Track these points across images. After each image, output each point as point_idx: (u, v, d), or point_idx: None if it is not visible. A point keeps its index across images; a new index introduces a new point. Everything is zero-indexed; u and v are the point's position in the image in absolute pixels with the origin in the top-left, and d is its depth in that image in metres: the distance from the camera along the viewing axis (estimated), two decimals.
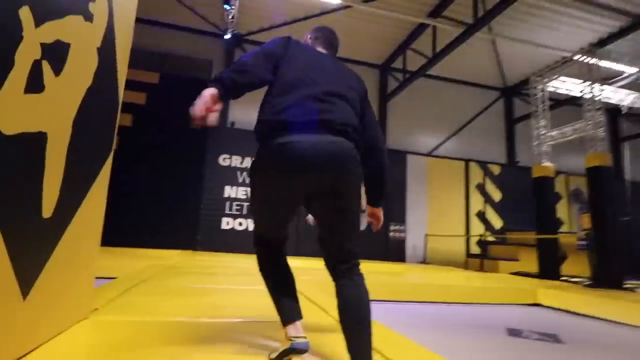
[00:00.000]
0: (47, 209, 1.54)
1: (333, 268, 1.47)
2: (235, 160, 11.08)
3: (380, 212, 1.78)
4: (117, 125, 2.48)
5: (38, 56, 1.37)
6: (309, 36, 1.87)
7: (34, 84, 1.35)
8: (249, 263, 7.73)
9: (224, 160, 10.98)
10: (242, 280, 4.60)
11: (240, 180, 11.00)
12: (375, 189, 1.71)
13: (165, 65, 11.16)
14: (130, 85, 9.68)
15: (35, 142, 1.40)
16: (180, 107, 9.29)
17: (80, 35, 1.73)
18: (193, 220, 10.37)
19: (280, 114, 1.46)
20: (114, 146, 2.43)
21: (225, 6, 7.73)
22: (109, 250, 8.60)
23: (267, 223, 1.66)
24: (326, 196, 1.42)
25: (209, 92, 1.40)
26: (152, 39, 11.31)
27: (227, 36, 9.07)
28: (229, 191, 10.86)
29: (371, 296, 1.46)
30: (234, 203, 10.82)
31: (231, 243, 10.47)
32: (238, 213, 10.78)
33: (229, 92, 1.44)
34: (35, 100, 1.38)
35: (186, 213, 10.31)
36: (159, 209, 10.17)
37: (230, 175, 10.93)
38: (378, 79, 13.25)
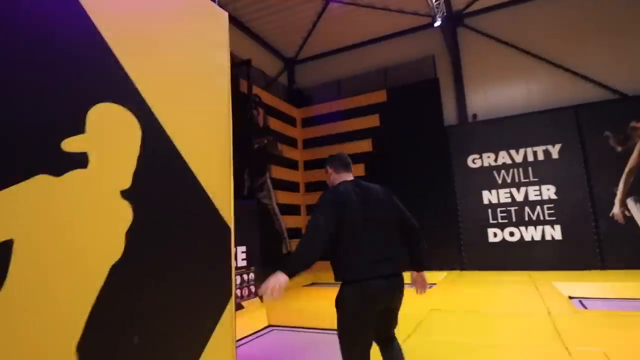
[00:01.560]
0: None
1: (383, 342, 2.40)
2: (488, 159, 9.21)
3: (424, 275, 2.59)
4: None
5: None
6: (330, 170, 2.62)
7: None
8: (527, 288, 5.88)
9: (473, 161, 9.34)
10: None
11: (500, 180, 9.02)
12: (417, 257, 2.54)
13: (389, 80, 10.72)
14: (362, 111, 9.76)
15: None
16: (414, 116, 8.48)
17: None
18: (453, 236, 9.18)
19: (361, 274, 2.16)
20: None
21: None
22: None
23: (358, 336, 2.17)
24: (388, 309, 2.31)
25: (282, 280, 1.99)
26: (370, 59, 11.20)
27: (437, 23, 7.67)
28: (489, 196, 9.06)
29: None
30: (498, 210, 8.93)
31: (504, 258, 8.60)
32: (505, 221, 8.80)
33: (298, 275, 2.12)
34: None
35: (444, 228, 9.26)
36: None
37: (485, 178, 9.15)
38: None
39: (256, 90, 9.84)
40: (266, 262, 8.90)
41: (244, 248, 6.27)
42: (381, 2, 9.55)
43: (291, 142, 11.19)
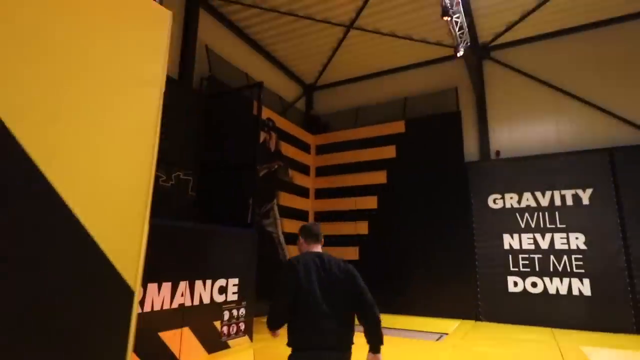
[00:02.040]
0: None
1: None
2: (511, 200, 8.54)
3: (380, 357, 2.42)
4: None
5: None
6: (301, 239, 2.78)
7: None
8: (551, 351, 5.13)
9: (494, 201, 8.68)
10: None
11: (523, 224, 8.30)
12: (369, 337, 2.41)
13: (408, 110, 10.32)
14: (379, 141, 9.34)
15: None
16: (433, 149, 8.05)
17: None
18: (469, 281, 8.44)
19: (308, 344, 2.31)
20: None
21: (445, 18, 6.08)
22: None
23: None
24: None
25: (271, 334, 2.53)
26: (390, 88, 10.88)
27: (460, 53, 7.28)
28: (510, 241, 8.34)
29: None
30: (520, 256, 8.17)
31: (524, 311, 7.78)
32: (527, 270, 8.02)
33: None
34: None
35: (459, 272, 8.55)
36: (426, 272, 8.90)
37: (507, 220, 8.46)
38: None
39: (271, 114, 9.63)
40: (264, 294, 8.38)
41: (235, 280, 5.82)
42: (404, 31, 9.28)
43: (303, 169, 10.83)
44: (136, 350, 4.20)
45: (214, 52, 8.32)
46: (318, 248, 2.69)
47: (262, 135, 9.22)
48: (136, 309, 1.64)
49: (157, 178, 6.34)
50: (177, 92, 7.00)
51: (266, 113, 9.45)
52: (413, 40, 9.51)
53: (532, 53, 9.24)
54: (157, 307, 4.53)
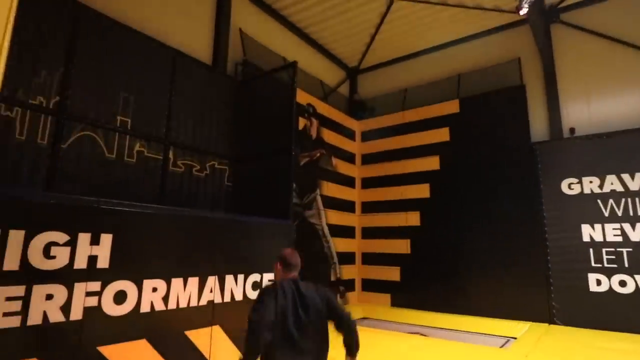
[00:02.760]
0: None
1: None
2: (590, 185, 7.29)
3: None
4: None
5: None
6: (279, 266, 2.84)
7: None
8: None
9: (570, 186, 7.47)
10: None
11: (607, 213, 7.04)
12: (352, 347, 2.64)
13: (463, 88, 9.26)
14: (430, 124, 8.46)
15: None
16: (493, 130, 7.05)
17: None
18: (540, 279, 7.34)
19: None
20: None
21: None
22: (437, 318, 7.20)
23: None
24: None
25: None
26: (442, 66, 9.86)
27: (524, 11, 6.17)
28: (590, 232, 7.11)
29: None
30: (604, 250, 6.94)
31: (611, 314, 6.58)
32: (614, 266, 6.78)
33: None
34: None
35: (529, 268, 7.48)
36: (488, 267, 7.91)
37: (586, 208, 7.23)
38: None
39: (312, 100, 9.10)
40: None
41: (271, 275, 5.36)
42: None
43: (348, 158, 10.20)
44: (161, 351, 3.89)
45: (249, 37, 7.92)
46: (294, 274, 2.83)
47: (302, 122, 8.73)
48: None
49: (190, 167, 6.07)
50: (210, 78, 6.68)
51: (306, 98, 8.93)
52: (466, 8, 8.45)
53: (612, 11, 7.80)
54: (183, 304, 4.18)
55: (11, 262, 3.04)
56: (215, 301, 4.56)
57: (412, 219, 9.23)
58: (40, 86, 4.45)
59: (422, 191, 9.20)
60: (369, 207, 10.08)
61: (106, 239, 3.61)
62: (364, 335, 5.81)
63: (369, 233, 9.96)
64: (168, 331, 3.98)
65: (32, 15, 4.40)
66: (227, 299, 4.70)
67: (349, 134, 10.36)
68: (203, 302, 4.42)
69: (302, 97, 8.76)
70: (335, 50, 10.59)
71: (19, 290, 3.05)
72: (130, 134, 5.30)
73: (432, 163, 9.16)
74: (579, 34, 8.07)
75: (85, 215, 3.50)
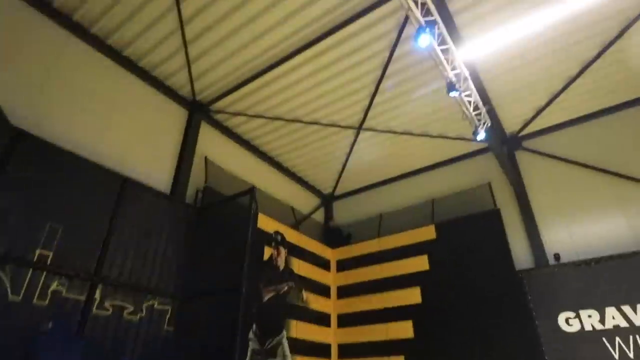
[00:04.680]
0: None
1: None
2: (589, 319, 6.41)
3: None
4: None
5: None
6: None
7: None
8: None
9: (567, 322, 6.55)
10: None
11: (617, 354, 6.01)
12: None
13: (437, 212, 8.96)
14: (408, 251, 7.75)
15: None
16: (473, 256, 6.10)
17: None
18: None
19: None
20: None
21: (452, 94, 5.19)
22: None
23: None
24: None
25: None
26: (415, 191, 9.76)
27: (481, 136, 6.18)
28: None
29: None
30: None
31: None
32: None
33: None
34: None
35: None
36: None
37: (593, 349, 6.20)
38: None
39: (282, 228, 8.57)
40: None
41: None
42: (420, 128, 8.52)
43: (322, 290, 9.22)
44: None
45: (215, 164, 7.78)
46: None
47: (269, 252, 8.01)
48: None
49: (121, 309, 5.09)
50: (164, 206, 6.20)
51: (275, 226, 8.39)
52: (431, 137, 8.69)
53: (572, 136, 8.06)
54: None
55: None
56: None
57: None
58: None
59: (404, 330, 8.05)
60: (349, 351, 8.70)
61: None
62: None
63: None
64: None
65: None
66: None
67: (323, 264, 9.59)
68: None
69: (271, 225, 8.23)
70: (308, 177, 10.57)
71: None
72: (48, 270, 4.49)
73: (413, 295, 8.23)
74: (545, 160, 8.17)
75: None
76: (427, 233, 8.63)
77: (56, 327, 3.28)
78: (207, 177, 7.47)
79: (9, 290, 4.15)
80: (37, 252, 4.47)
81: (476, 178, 8.84)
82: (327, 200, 11.29)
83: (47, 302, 4.39)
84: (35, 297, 4.33)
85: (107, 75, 6.44)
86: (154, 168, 6.69)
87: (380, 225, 9.86)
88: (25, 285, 4.28)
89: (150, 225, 5.82)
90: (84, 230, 4.97)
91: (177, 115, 7.58)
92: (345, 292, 9.41)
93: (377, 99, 7.75)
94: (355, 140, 9.02)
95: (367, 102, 7.86)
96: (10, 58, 5.16)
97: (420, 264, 8.40)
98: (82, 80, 5.99)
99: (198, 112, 7.83)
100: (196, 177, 7.29)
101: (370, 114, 8.14)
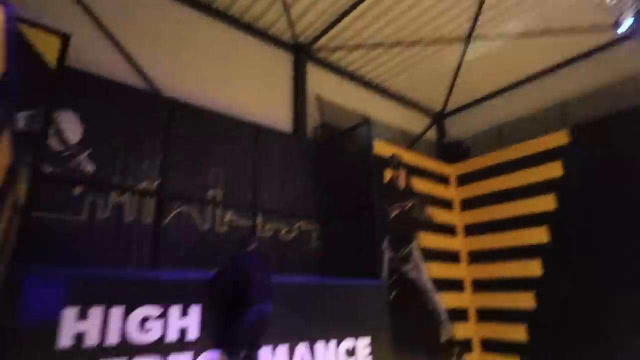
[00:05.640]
0: None
1: None
2: None
3: None
4: None
5: None
6: None
7: None
8: None
9: None
10: None
11: None
12: None
13: (569, 115, 8.17)
14: (538, 159, 7.47)
15: None
16: (623, 157, 5.66)
17: None
18: None
19: None
20: None
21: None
22: None
23: None
24: None
25: None
26: (539, 95, 8.94)
27: (623, 27, 5.28)
28: None
29: None
30: None
31: None
32: None
33: None
34: None
35: None
36: None
37: None
38: None
39: (397, 150, 8.92)
40: (408, 350, 7.13)
41: (366, 340, 4.96)
42: (540, 25, 7.59)
43: (445, 204, 9.49)
44: None
45: (326, 101, 8.28)
46: None
47: (389, 174, 8.51)
48: None
49: (277, 231, 6.23)
50: (291, 144, 7.04)
51: (391, 150, 8.77)
52: (554, 34, 7.69)
53: None
54: None
55: (113, 337, 3.31)
56: None
57: (532, 267, 7.95)
58: (143, 173, 5.13)
59: (538, 235, 7.98)
60: (477, 257, 9.04)
61: (194, 311, 3.76)
62: None
63: (482, 285, 8.82)
64: None
65: (132, 113, 5.22)
66: None
67: (443, 180, 9.75)
68: None
69: (387, 149, 8.64)
70: (416, 98, 10.45)
71: None
72: (221, 205, 5.71)
73: (547, 202, 7.97)
74: None
75: (175, 289, 3.72)
76: (558, 139, 8.01)
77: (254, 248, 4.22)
78: (322, 113, 8.06)
79: (199, 223, 5.46)
80: (210, 192, 5.69)
81: (615, 73, 7.67)
82: (439, 118, 11.08)
83: (226, 229, 5.66)
84: (218, 225, 5.61)
85: (221, 37, 7.21)
86: (275, 113, 7.49)
87: (501, 136, 9.43)
88: (208, 218, 5.56)
89: (284, 162, 6.74)
90: (238, 171, 6.07)
91: (284, 61, 8.15)
92: (469, 204, 9.53)
93: (488, 2, 7.11)
94: (463, 53, 8.51)
95: (476, 8, 7.27)
96: (152, 41, 6.20)
97: (552, 170, 7.97)
98: (205, 47, 6.87)
99: (302, 53, 8.27)
100: (312, 115, 7.92)
101: (480, 21, 7.54)
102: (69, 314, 3.16)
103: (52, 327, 3.06)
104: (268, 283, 3.75)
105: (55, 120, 4.50)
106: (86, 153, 4.70)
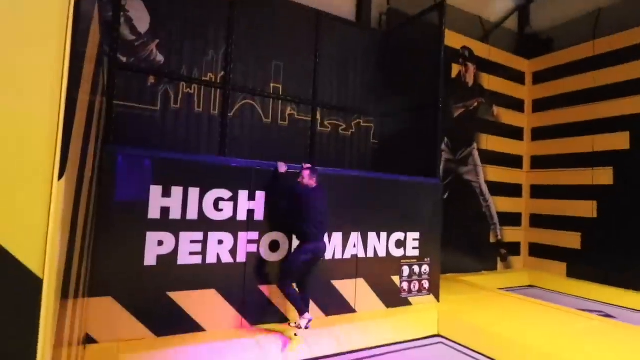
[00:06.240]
0: None
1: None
2: None
3: None
4: None
5: None
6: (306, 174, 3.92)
7: None
8: None
9: None
10: None
11: None
12: None
13: None
14: (632, 54, 6.55)
15: None
16: None
17: None
18: None
19: (313, 237, 3.80)
20: None
21: None
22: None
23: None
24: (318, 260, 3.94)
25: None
26: None
27: None
28: None
29: None
30: None
31: None
32: None
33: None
34: None
35: None
36: None
37: None
38: None
39: (468, 42, 8.08)
40: (459, 250, 7.47)
41: (416, 235, 5.24)
42: None
43: (515, 105, 8.82)
44: (313, 296, 4.30)
45: None
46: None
47: (457, 69, 7.88)
48: (52, 298, 1.22)
49: (336, 127, 6.27)
50: (353, 33, 6.60)
51: (462, 41, 7.97)
52: None
53: None
54: (327, 257, 4.50)
55: (192, 213, 3.79)
56: (359, 256, 4.76)
57: (602, 176, 7.51)
58: (209, 64, 5.20)
59: (616, 141, 7.33)
60: (541, 162, 8.64)
61: (260, 196, 4.12)
62: (530, 307, 5.12)
63: (541, 192, 8.60)
64: (318, 279, 4.36)
65: (196, 2, 5.09)
66: (370, 254, 4.84)
67: (517, 77, 8.89)
68: (347, 256, 4.67)
69: (457, 40, 7.86)
70: None
71: (199, 236, 3.80)
72: (282, 99, 5.77)
73: (631, 105, 7.12)
74: None
75: (243, 176, 4.04)
76: None
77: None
78: None
79: (262, 115, 5.62)
80: (272, 85, 5.71)
81: None
82: (523, 2, 9.60)
83: (287, 123, 5.80)
84: (279, 119, 5.75)
85: None
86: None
87: (596, 24, 8.09)
88: (270, 111, 5.68)
89: (344, 54, 6.42)
90: (298, 64, 5.93)
91: None
92: (542, 105, 8.77)
93: None
94: None
95: None
96: None
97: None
98: None
99: None
100: (377, 2, 7.20)
101: None
102: (156, 191, 3.62)
103: (143, 200, 3.56)
104: (325, 220, 3.92)
105: (124, 8, 4.54)
106: (155, 42, 4.79)
